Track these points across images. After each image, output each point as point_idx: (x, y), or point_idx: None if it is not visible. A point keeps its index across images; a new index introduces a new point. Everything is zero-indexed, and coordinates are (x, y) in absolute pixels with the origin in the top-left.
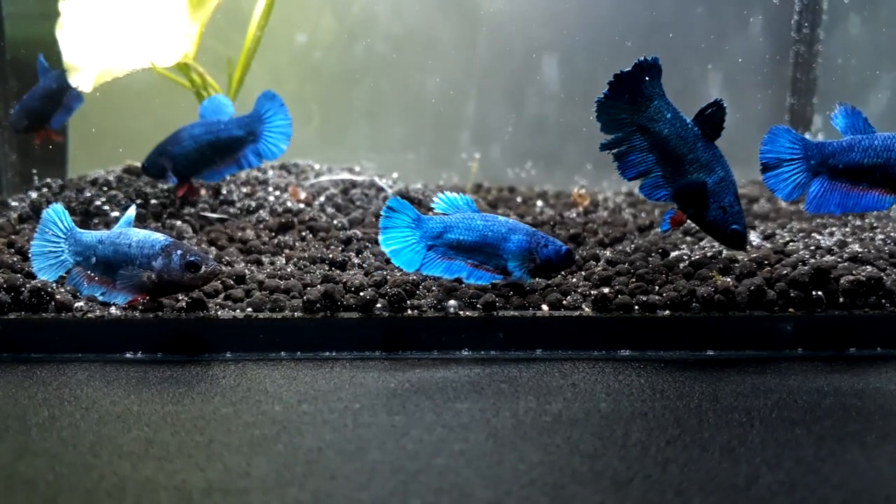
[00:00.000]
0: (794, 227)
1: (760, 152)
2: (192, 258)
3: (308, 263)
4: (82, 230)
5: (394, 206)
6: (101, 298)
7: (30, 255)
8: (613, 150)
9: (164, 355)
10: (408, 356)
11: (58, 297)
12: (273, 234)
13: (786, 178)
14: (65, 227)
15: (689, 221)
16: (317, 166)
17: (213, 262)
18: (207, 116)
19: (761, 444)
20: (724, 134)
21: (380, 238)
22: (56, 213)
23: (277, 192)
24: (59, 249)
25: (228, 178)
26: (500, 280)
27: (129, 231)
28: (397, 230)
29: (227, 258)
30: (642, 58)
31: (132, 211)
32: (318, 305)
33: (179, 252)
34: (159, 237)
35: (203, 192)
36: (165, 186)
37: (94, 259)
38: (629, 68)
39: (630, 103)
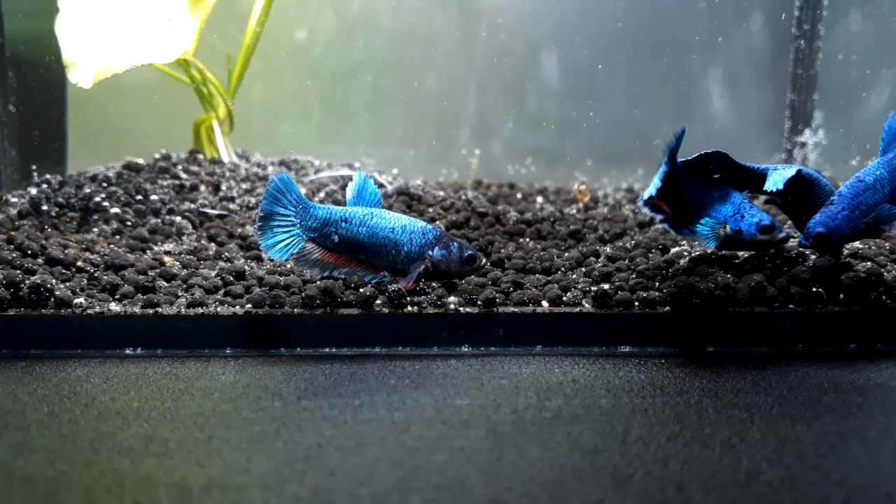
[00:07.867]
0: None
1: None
2: (470, 252)
3: None
4: (315, 203)
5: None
6: (345, 275)
7: (255, 230)
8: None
9: (163, 351)
10: (407, 352)
11: (57, 293)
12: None
13: None
14: (293, 197)
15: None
16: (316, 162)
17: (482, 255)
18: None
19: (762, 440)
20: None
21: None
22: (283, 183)
23: None
24: (290, 224)
25: (228, 174)
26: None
27: (381, 213)
28: None
29: (226, 254)
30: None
31: (355, 179)
32: (317, 302)
33: (456, 245)
34: (425, 225)
35: None
36: None
37: (335, 237)
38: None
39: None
